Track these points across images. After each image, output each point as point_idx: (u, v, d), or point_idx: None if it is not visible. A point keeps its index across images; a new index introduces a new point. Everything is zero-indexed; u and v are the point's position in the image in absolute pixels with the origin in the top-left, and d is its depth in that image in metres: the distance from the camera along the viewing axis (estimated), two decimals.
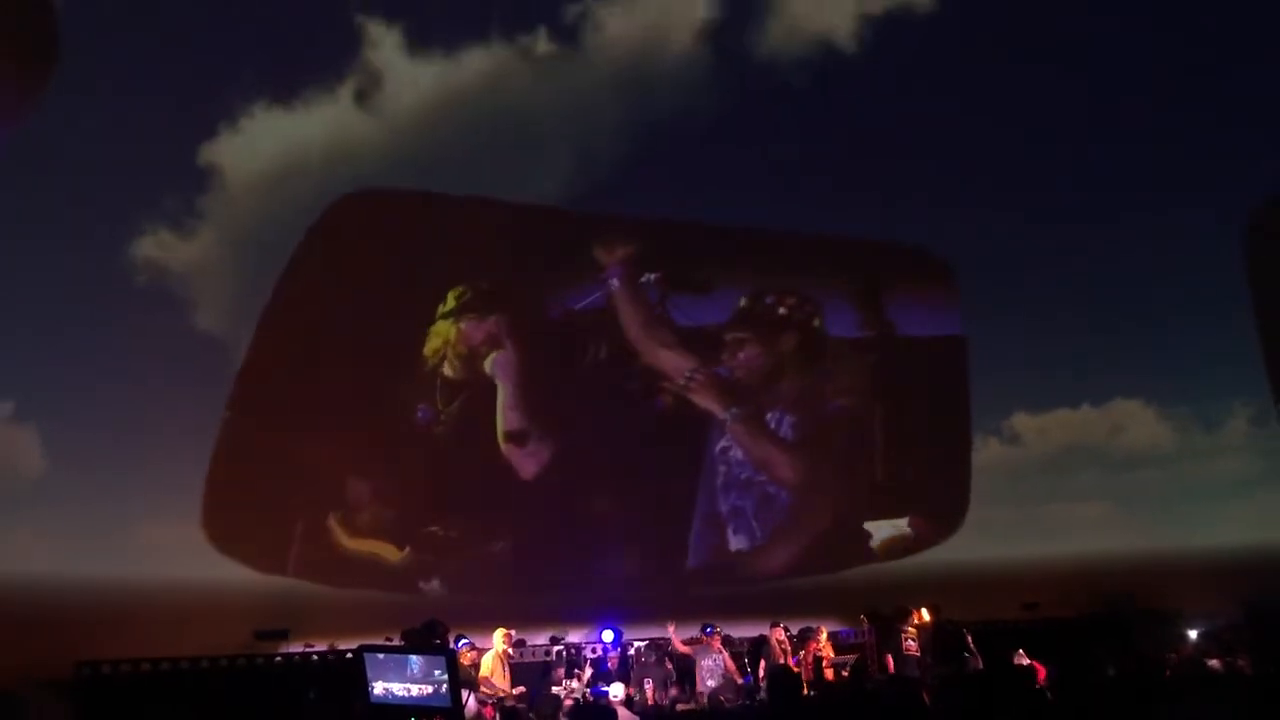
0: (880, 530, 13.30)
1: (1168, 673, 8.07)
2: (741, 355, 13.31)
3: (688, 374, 13.01)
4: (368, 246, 11.86)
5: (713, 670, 9.58)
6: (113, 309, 10.71)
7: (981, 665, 9.32)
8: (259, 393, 11.03)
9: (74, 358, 10.35)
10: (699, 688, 9.53)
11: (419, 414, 12.06)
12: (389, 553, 11.68)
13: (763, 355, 13.32)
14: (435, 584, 11.75)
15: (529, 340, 12.49)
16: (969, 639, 9.70)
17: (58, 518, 10.13)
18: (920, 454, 13.62)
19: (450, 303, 12.32)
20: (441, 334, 12.26)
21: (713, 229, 13.31)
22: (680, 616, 11.22)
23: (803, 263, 13.63)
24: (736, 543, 13.09)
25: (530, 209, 12.53)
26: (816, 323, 13.54)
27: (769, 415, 13.34)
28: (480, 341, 12.32)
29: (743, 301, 13.41)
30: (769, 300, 13.44)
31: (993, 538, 13.26)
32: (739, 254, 13.45)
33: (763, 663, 9.79)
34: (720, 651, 9.82)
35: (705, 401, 13.10)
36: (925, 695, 6.94)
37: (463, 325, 12.32)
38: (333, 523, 11.53)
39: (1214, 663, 9.11)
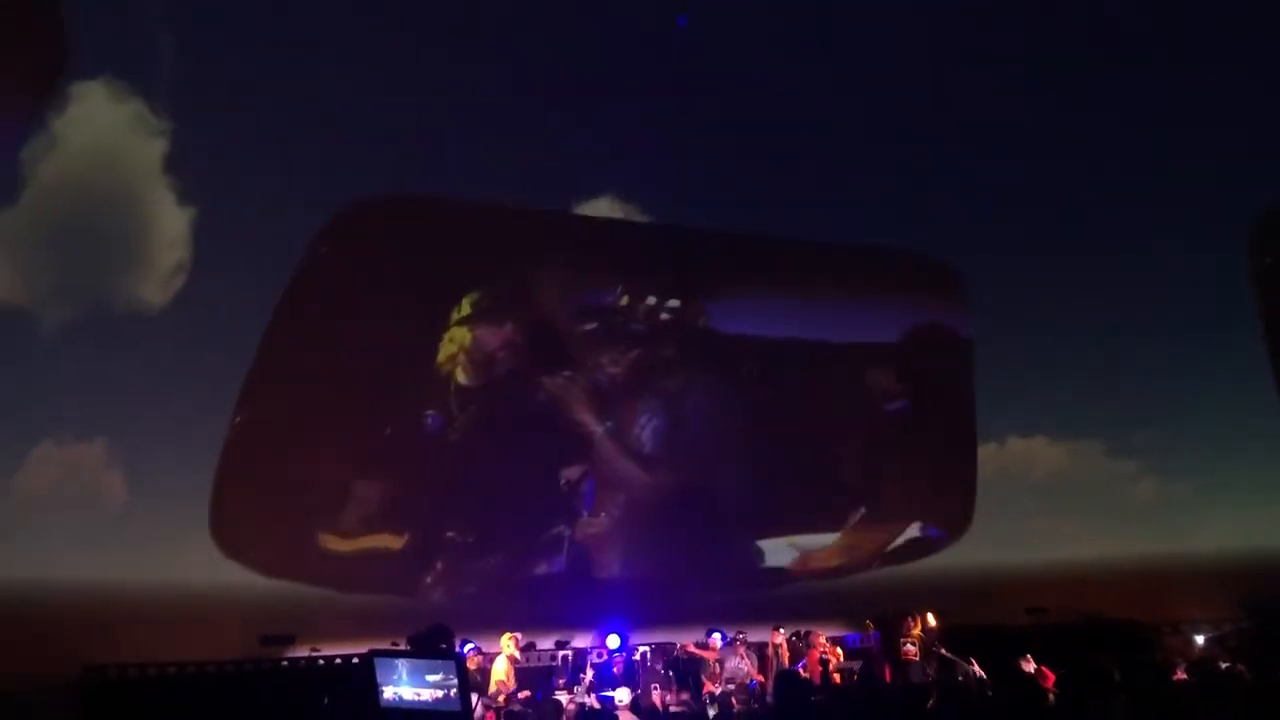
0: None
1: (1176, 676, 8.06)
2: (622, 361, 12.71)
3: (563, 379, 12.47)
4: (379, 251, 11.87)
5: (736, 673, 9.63)
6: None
7: (978, 672, 9.33)
8: (267, 394, 11.05)
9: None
10: (719, 689, 9.56)
11: (428, 420, 12.05)
12: (393, 544, 11.72)
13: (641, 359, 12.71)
14: (444, 588, 11.75)
15: (544, 345, 12.47)
16: (941, 649, 9.69)
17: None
18: (921, 460, 13.63)
19: (465, 309, 12.28)
20: (456, 340, 12.24)
21: (736, 237, 13.33)
22: (684, 621, 11.30)
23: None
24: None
25: (540, 213, 12.57)
26: (701, 322, 13.11)
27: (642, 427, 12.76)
28: (496, 348, 12.29)
29: (623, 300, 12.85)
30: (651, 301, 12.85)
31: (996, 544, 13.28)
32: (746, 261, 13.46)
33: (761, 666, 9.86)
34: (743, 657, 9.89)
35: (579, 413, 12.56)
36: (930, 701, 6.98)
37: (478, 331, 12.29)
38: (338, 526, 11.54)
39: (1224, 666, 9.11)
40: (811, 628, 10.69)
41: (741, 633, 10.38)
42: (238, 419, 10.84)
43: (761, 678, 9.77)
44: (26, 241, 10.32)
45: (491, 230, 12.34)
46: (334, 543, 11.37)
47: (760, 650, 10.44)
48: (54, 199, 10.32)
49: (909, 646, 9.79)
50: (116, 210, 10.91)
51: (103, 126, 10.63)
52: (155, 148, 10.88)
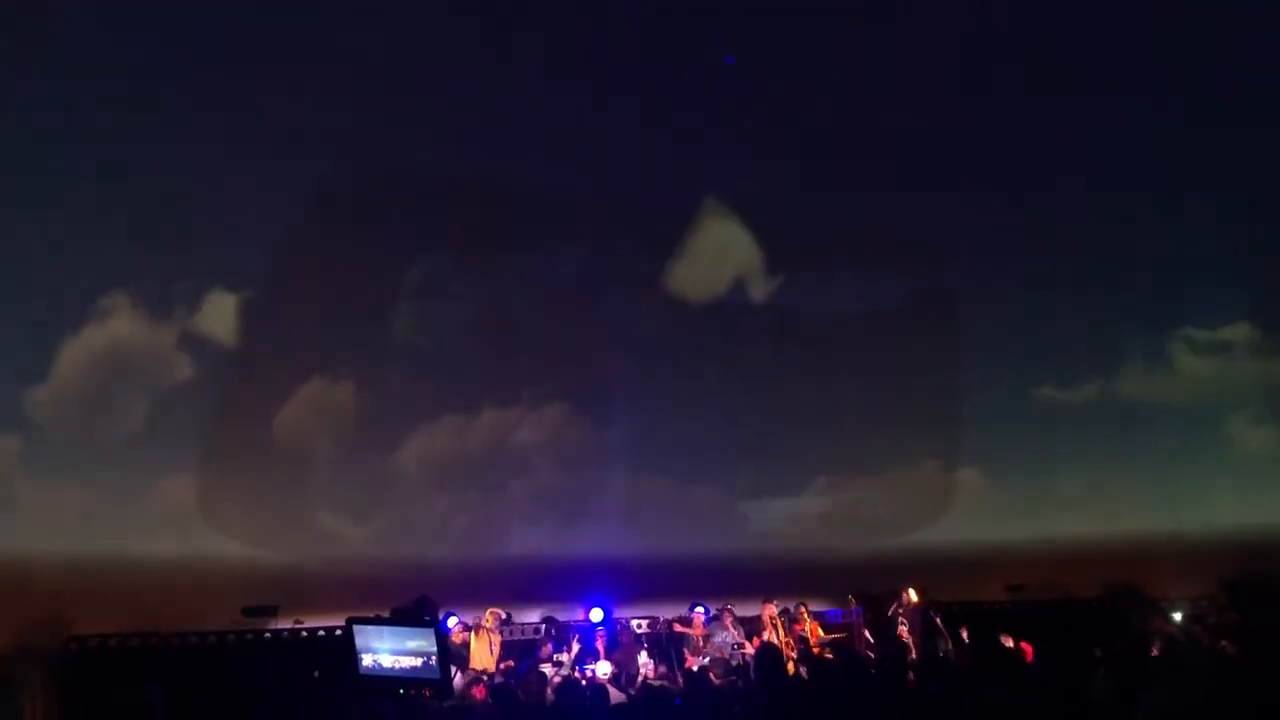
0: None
1: (1155, 652, 8.08)
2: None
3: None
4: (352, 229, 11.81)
5: (724, 646, 9.64)
6: None
7: (951, 646, 9.42)
8: (251, 371, 11.00)
9: None
10: (701, 662, 9.57)
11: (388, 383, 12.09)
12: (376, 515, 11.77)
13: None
14: (430, 560, 11.76)
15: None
16: (938, 621, 9.80)
17: None
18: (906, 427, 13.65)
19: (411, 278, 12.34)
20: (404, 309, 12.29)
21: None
22: (669, 595, 11.32)
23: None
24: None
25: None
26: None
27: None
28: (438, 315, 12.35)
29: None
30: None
31: (979, 520, 13.34)
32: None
33: (750, 641, 9.88)
34: (729, 629, 9.90)
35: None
36: (912, 675, 7.00)
37: (421, 299, 12.37)
38: (322, 499, 11.53)
39: (1205, 642, 9.16)
40: (802, 601, 10.78)
41: (726, 607, 10.37)
42: (222, 397, 10.78)
43: (749, 649, 9.79)
44: None
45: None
46: (318, 516, 11.37)
47: (749, 624, 10.45)
48: None
49: (903, 626, 9.88)
50: None
51: None
52: None
